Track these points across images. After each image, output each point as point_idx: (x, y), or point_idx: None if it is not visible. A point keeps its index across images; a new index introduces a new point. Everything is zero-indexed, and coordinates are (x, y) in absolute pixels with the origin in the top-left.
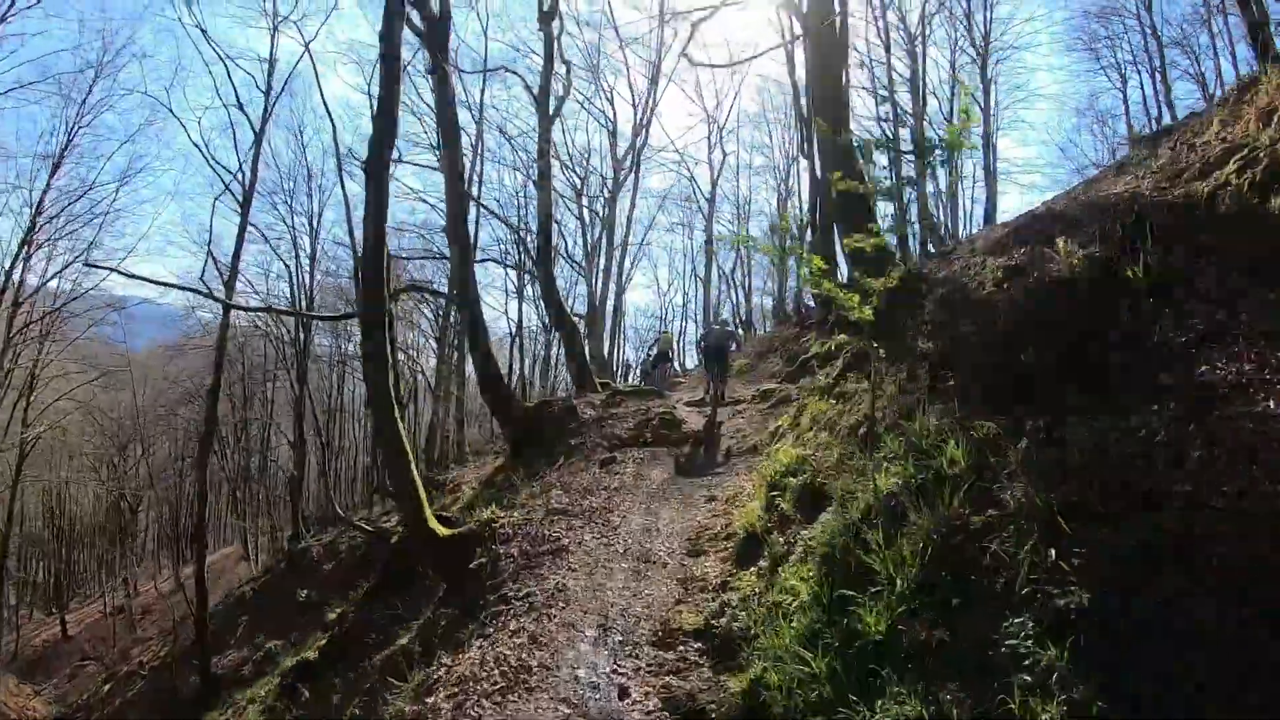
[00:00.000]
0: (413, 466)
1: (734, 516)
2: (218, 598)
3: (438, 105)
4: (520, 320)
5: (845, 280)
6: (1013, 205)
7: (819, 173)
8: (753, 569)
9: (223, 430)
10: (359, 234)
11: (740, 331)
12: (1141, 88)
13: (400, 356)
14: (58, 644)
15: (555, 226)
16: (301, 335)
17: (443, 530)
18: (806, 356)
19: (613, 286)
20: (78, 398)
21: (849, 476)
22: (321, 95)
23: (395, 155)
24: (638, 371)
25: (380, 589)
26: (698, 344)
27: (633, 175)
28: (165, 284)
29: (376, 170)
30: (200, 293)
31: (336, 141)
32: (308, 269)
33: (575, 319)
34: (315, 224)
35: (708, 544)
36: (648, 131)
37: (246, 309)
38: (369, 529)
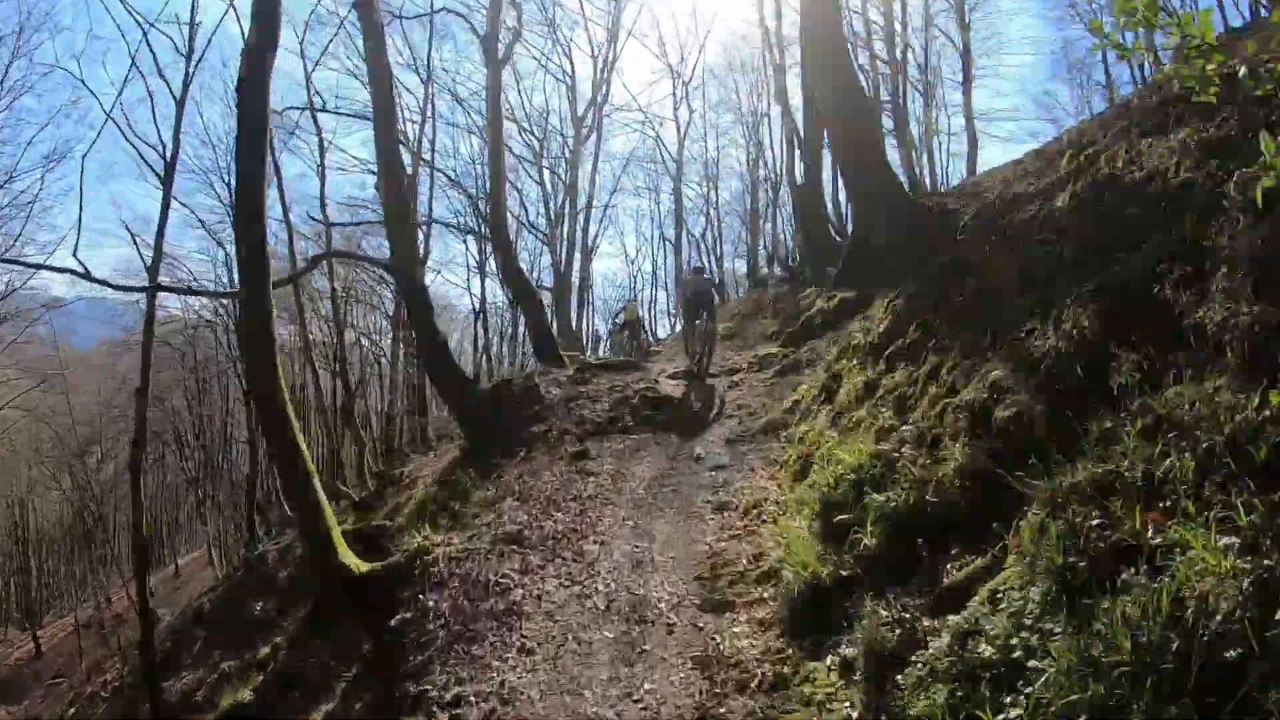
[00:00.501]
0: (317, 488)
1: (763, 539)
2: (179, 608)
3: (364, 30)
4: (483, 296)
5: (848, 229)
6: (993, 158)
7: (800, 120)
8: (829, 661)
9: (180, 428)
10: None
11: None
12: (1121, 30)
13: (360, 340)
14: (30, 662)
15: (516, 194)
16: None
17: (359, 566)
18: (810, 314)
19: (578, 255)
20: (22, 405)
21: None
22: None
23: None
24: (607, 344)
25: (303, 635)
26: (678, 299)
27: (594, 135)
28: (31, 265)
29: (253, 91)
30: (75, 273)
31: (281, 115)
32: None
33: (539, 287)
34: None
35: (731, 588)
36: (608, 87)
37: (123, 289)
38: None
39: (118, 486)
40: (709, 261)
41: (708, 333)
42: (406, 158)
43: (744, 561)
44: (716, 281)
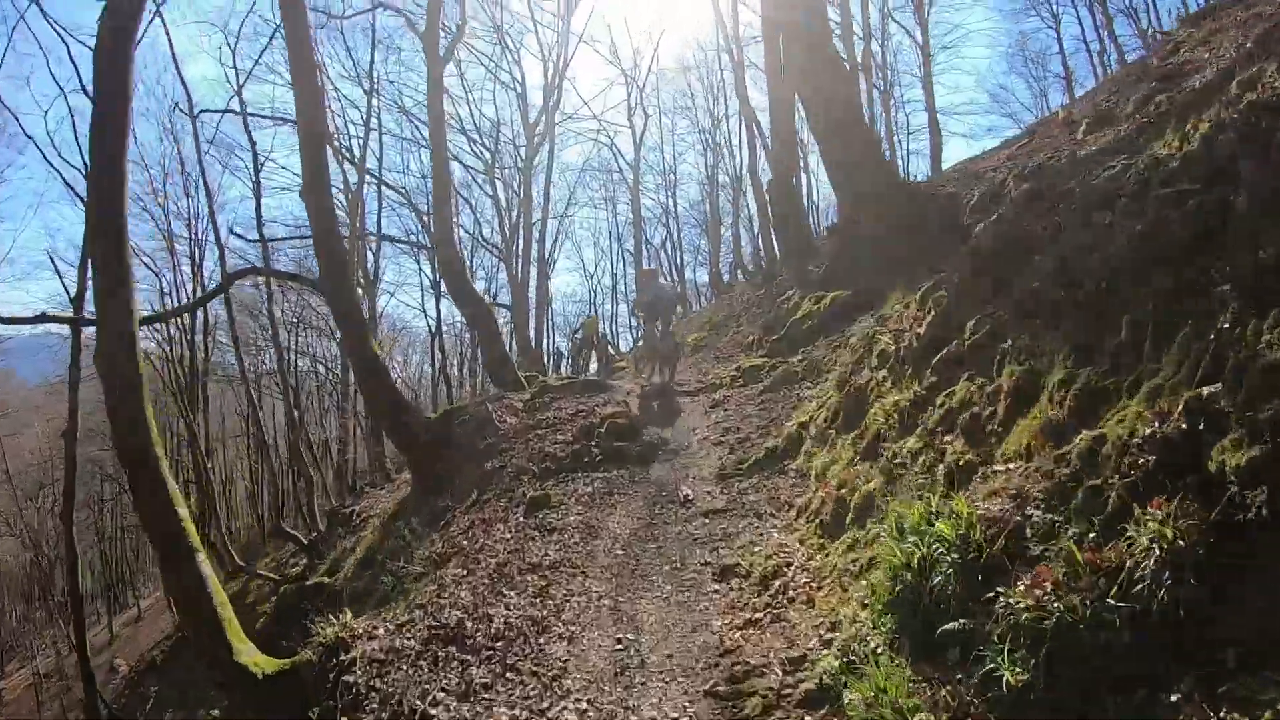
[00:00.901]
0: (202, 570)
1: (798, 629)
2: (134, 659)
3: (283, 10)
4: (439, 316)
5: (818, 227)
6: (955, 154)
7: (767, 118)
8: None
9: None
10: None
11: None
12: (1079, 20)
13: (316, 367)
14: None
15: (469, 209)
16: (188, 354)
17: (261, 664)
18: (796, 318)
19: (534, 270)
20: None
21: None
22: (174, 59)
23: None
24: (567, 362)
25: None
26: (633, 307)
27: (547, 142)
28: None
29: (113, 57)
30: None
31: (194, 120)
32: (190, 278)
33: (492, 303)
34: (197, 226)
35: (764, 715)
36: (560, 93)
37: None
38: (274, 577)
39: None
40: (670, 271)
41: (671, 349)
42: (350, 172)
43: (777, 669)
44: (677, 290)
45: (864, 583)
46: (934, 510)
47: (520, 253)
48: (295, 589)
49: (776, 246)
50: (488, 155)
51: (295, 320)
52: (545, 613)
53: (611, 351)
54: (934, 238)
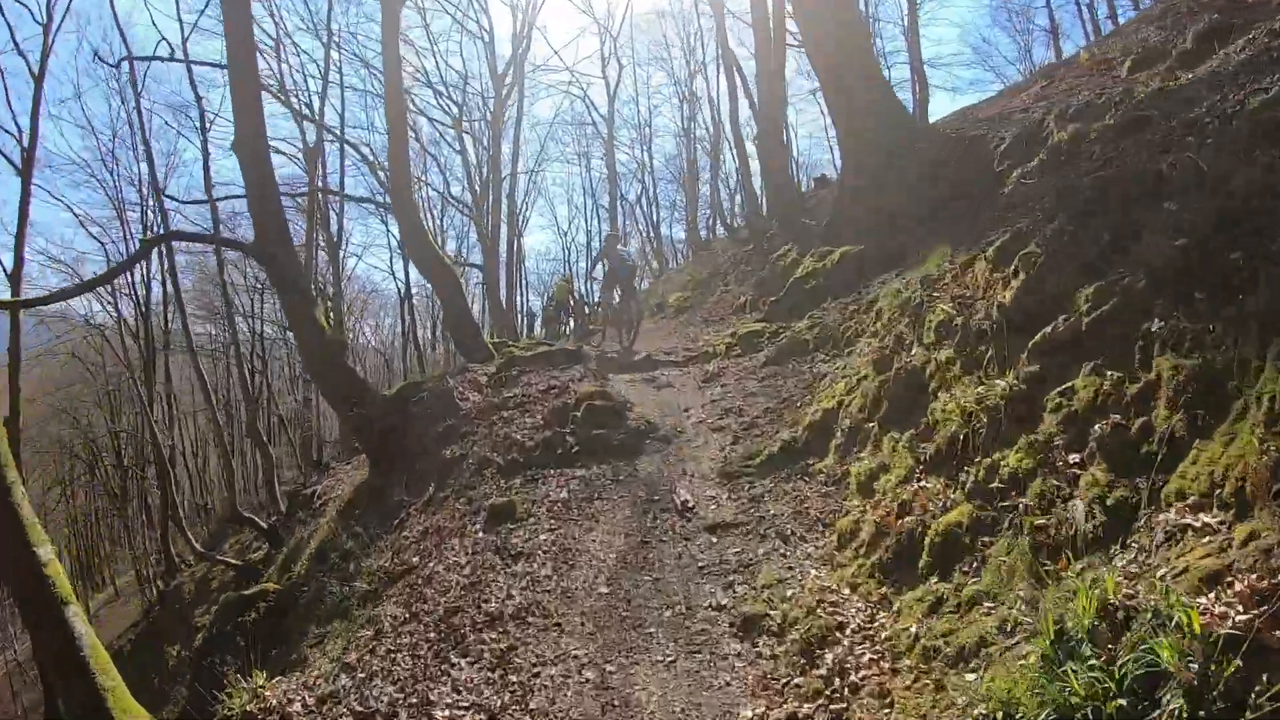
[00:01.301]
0: (76, 625)
1: None
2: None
3: None
4: (407, 279)
5: (803, 180)
6: (940, 108)
7: (755, 64)
8: None
9: (96, 446)
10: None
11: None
12: None
13: (284, 334)
14: None
15: (436, 166)
16: (141, 327)
17: None
18: (798, 277)
19: (504, 228)
20: None
21: None
22: (114, 12)
23: None
24: (541, 324)
25: None
26: (593, 266)
27: (517, 92)
28: None
29: None
30: None
31: (130, 64)
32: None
33: (464, 262)
34: (147, 192)
35: None
36: (529, 41)
37: None
38: (235, 563)
39: (42, 513)
40: (646, 227)
41: (632, 314)
42: (311, 130)
43: None
44: (635, 259)
45: (973, 680)
46: (1113, 602)
47: (490, 210)
48: (235, 599)
49: (763, 200)
50: (455, 109)
51: (260, 286)
52: (506, 699)
53: (587, 312)
54: (960, 185)
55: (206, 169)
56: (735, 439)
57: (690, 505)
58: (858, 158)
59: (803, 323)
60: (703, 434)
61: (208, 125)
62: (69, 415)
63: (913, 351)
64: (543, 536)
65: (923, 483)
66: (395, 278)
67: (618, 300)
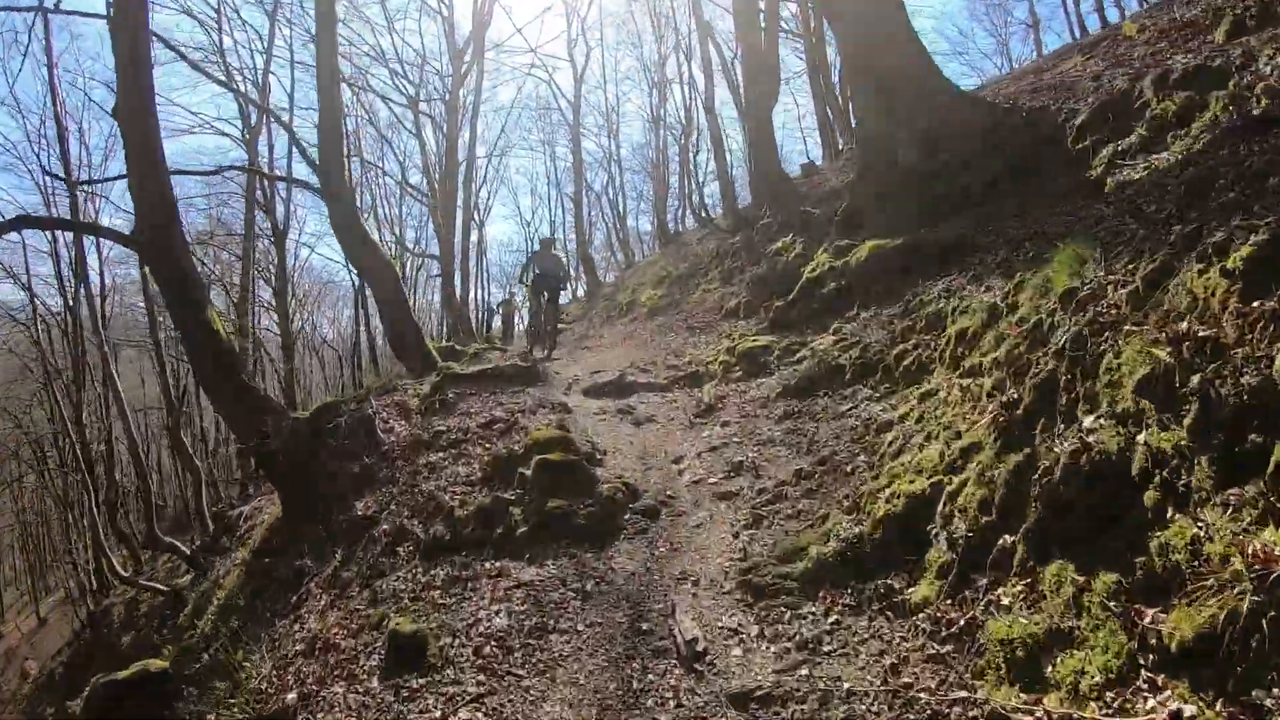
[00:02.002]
0: None
1: None
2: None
3: None
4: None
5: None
6: None
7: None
8: None
9: (43, 445)
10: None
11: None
12: None
13: None
14: None
15: (393, 155)
16: (69, 321)
17: None
18: (811, 275)
19: (460, 214)
20: None
21: None
22: None
23: None
24: (498, 323)
25: None
26: (523, 274)
27: (476, 71)
28: None
29: None
30: None
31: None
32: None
33: (424, 257)
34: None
35: None
36: (491, 14)
37: None
38: (160, 588)
39: None
40: (612, 218)
41: (553, 329)
42: (252, 112)
43: None
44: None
45: None
46: None
47: (445, 199)
48: (105, 688)
49: (747, 186)
50: (412, 89)
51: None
52: None
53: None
54: (1027, 163)
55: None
56: (755, 517)
57: (701, 650)
58: (882, 139)
59: (827, 339)
60: (705, 502)
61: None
62: (11, 415)
63: (1085, 423)
64: (463, 715)
65: (1169, 697)
66: (350, 270)
67: (544, 308)
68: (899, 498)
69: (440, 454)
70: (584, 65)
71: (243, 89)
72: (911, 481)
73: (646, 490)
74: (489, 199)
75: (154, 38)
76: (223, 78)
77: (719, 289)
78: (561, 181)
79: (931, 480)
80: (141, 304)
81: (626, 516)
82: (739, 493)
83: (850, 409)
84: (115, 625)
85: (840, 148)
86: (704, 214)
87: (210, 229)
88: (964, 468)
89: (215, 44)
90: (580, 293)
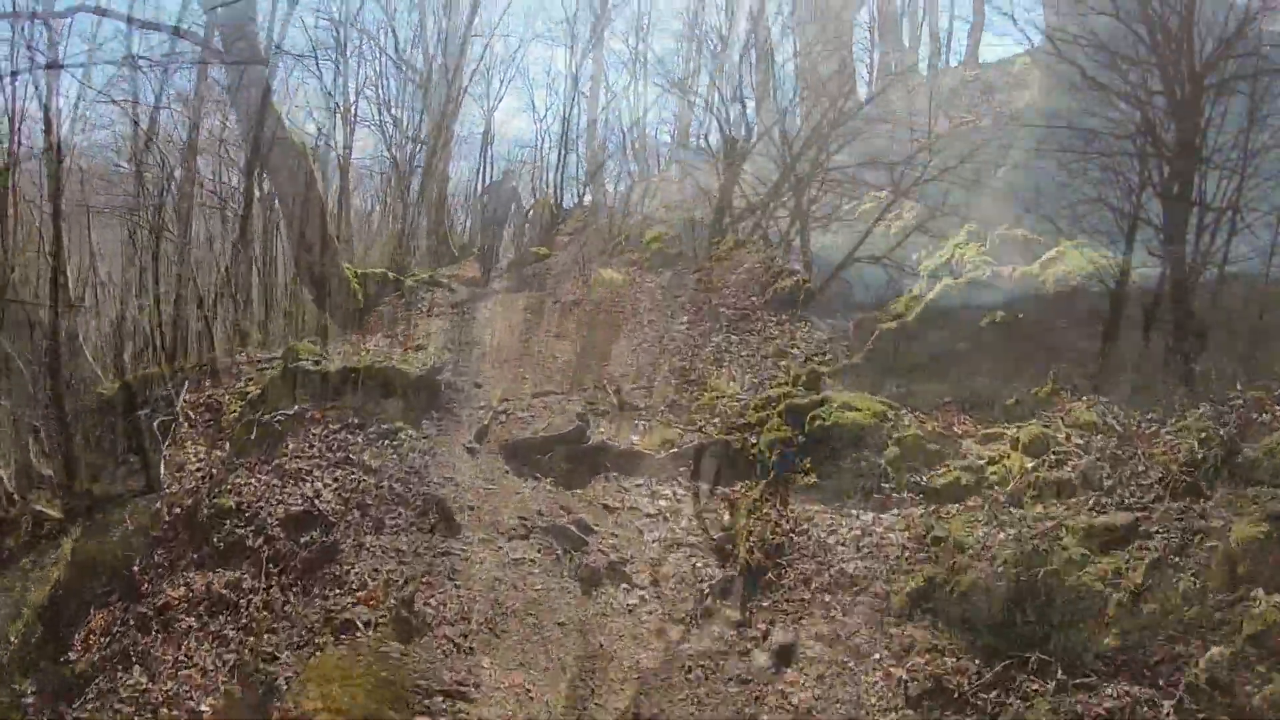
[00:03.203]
0: None
1: None
2: None
3: None
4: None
5: None
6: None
7: None
8: None
9: None
10: None
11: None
12: None
13: None
14: None
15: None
16: None
17: None
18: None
19: (446, 91)
20: None
21: None
22: None
23: None
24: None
25: None
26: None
27: None
28: None
29: None
30: None
31: None
32: None
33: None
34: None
35: None
36: None
37: None
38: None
39: None
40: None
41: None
42: None
43: None
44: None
45: None
46: None
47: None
48: None
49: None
50: None
51: None
52: None
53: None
54: None
55: None
56: None
57: None
58: None
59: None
60: None
61: None
62: None
63: None
64: None
65: None
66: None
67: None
68: None
69: (219, 543)
70: None
71: None
72: None
73: None
74: (502, 89)
75: None
76: None
77: (764, 250)
78: (580, 79)
79: None
80: None
81: None
82: None
83: None
84: None
85: None
86: (729, 134)
87: None
88: None
89: None
90: (587, 199)
